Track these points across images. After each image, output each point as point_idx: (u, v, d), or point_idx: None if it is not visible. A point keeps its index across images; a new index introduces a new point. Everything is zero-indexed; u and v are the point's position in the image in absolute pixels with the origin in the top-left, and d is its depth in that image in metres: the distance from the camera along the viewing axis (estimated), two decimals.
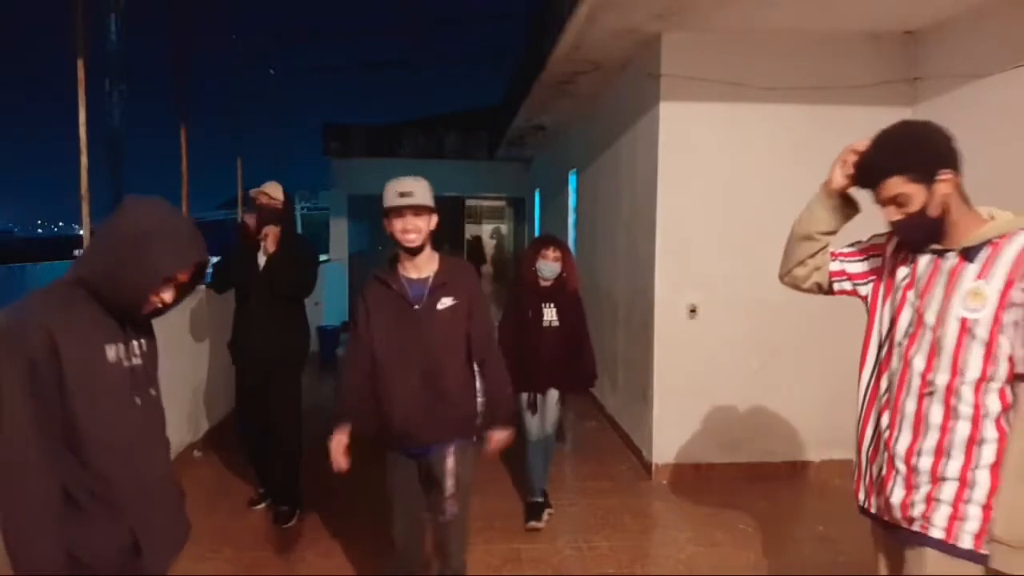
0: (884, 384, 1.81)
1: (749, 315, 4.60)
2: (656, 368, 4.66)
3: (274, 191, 3.84)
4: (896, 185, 1.67)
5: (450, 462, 2.48)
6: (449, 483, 2.48)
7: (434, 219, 2.47)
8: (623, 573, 3.43)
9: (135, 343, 1.67)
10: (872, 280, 1.90)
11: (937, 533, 1.68)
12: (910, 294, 1.76)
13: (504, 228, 23.18)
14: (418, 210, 2.40)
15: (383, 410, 2.49)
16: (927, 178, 1.65)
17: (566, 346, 3.92)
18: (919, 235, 1.72)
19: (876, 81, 4.49)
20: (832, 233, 1.94)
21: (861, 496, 1.90)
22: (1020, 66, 3.71)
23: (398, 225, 2.41)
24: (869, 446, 1.85)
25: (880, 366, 1.83)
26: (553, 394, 3.97)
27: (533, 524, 3.88)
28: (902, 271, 1.80)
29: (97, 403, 1.54)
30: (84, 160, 3.73)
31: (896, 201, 1.68)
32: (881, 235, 1.92)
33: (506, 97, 9.35)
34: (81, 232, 4.02)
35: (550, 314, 3.90)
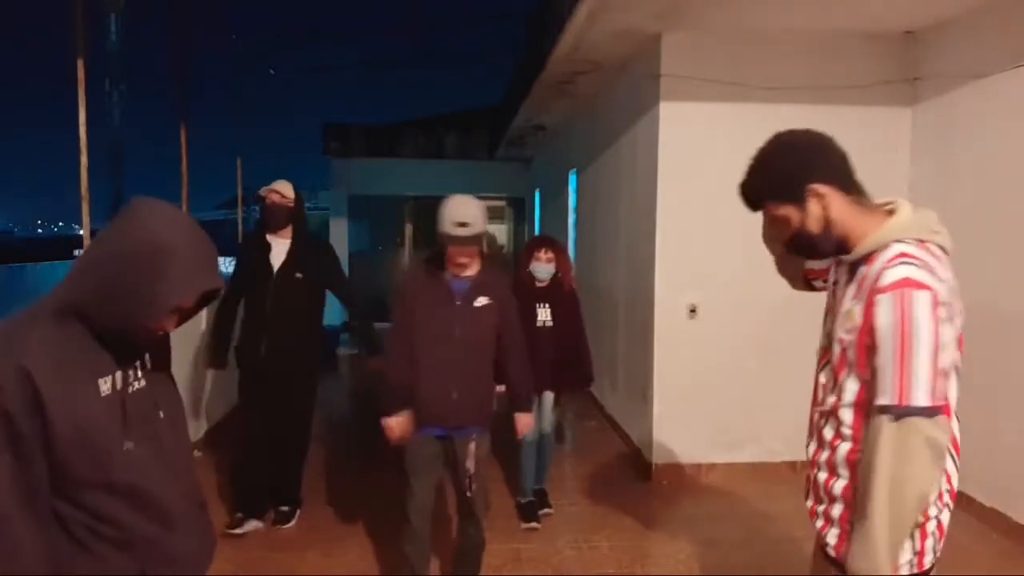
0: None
1: (749, 315, 4.60)
2: (656, 368, 4.66)
3: (285, 189, 3.74)
4: (771, 210, 1.60)
5: (472, 446, 2.77)
6: (470, 464, 2.77)
7: (484, 240, 2.70)
8: (623, 573, 3.43)
9: (135, 367, 1.46)
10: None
11: (831, 552, 1.65)
12: (828, 308, 1.73)
13: (503, 229, 23.22)
14: (474, 240, 2.61)
15: (419, 391, 2.73)
16: (794, 197, 1.56)
17: (561, 346, 3.92)
18: (815, 252, 1.64)
19: (876, 81, 4.49)
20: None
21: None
22: (1020, 66, 3.71)
23: (454, 253, 2.64)
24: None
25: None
26: (548, 395, 3.98)
27: (531, 524, 3.88)
28: (831, 275, 1.75)
29: (92, 447, 1.35)
30: (84, 160, 3.73)
31: (777, 225, 1.63)
32: None
33: (506, 97, 9.34)
34: (81, 232, 4.01)
35: (544, 314, 3.91)
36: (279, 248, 3.74)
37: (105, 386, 1.38)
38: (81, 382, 1.35)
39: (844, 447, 1.61)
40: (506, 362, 2.88)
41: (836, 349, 1.59)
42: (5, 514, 1.26)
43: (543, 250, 3.90)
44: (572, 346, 3.99)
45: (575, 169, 7.84)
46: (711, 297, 4.62)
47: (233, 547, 3.57)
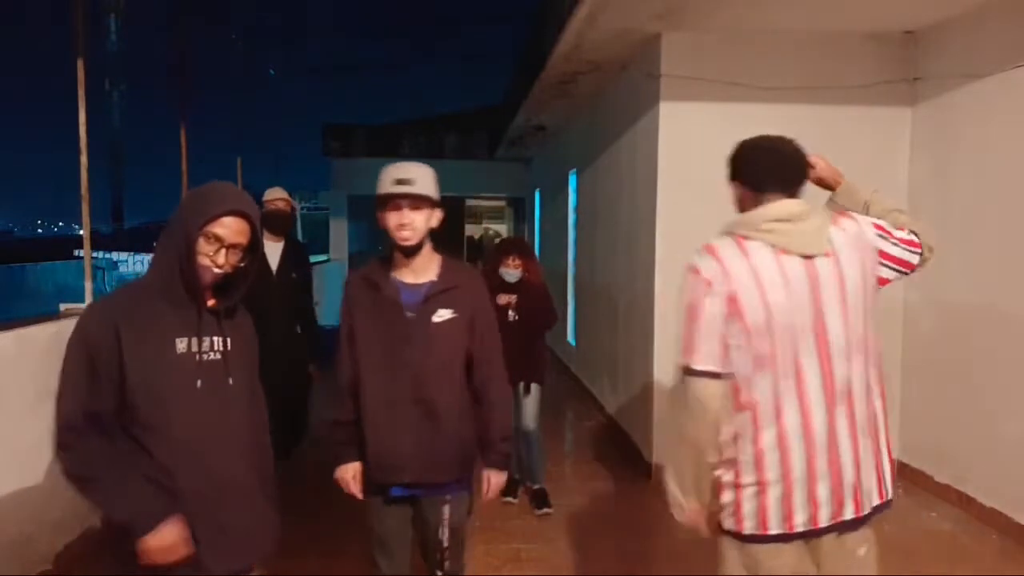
0: None
1: None
2: (656, 368, 4.66)
3: (287, 196, 4.09)
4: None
5: (446, 511, 2.15)
6: (443, 535, 2.16)
7: (437, 214, 2.08)
8: (623, 573, 3.43)
9: (216, 339, 1.67)
10: None
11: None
12: None
13: (503, 229, 23.22)
14: (417, 202, 2.01)
15: (365, 438, 2.12)
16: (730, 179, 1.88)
17: (524, 340, 3.89)
18: None
19: (876, 81, 4.49)
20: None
21: None
22: (1020, 66, 3.71)
23: (392, 219, 2.02)
24: None
25: None
26: (535, 387, 4.02)
27: (508, 499, 4.06)
28: None
29: (158, 396, 1.58)
30: (84, 160, 3.73)
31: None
32: None
33: (506, 97, 9.35)
34: (81, 232, 4.01)
35: (511, 310, 3.91)
36: (274, 251, 3.95)
37: (181, 345, 1.62)
38: (158, 338, 1.60)
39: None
40: (478, 397, 2.19)
41: None
42: (75, 426, 1.55)
43: (511, 257, 3.92)
44: (530, 345, 3.99)
45: (575, 169, 7.84)
46: None
47: None
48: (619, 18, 4.24)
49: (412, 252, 2.07)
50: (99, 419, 1.56)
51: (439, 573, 2.19)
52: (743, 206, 1.79)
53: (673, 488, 1.77)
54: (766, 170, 1.77)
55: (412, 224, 2.02)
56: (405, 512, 2.21)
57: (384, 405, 2.08)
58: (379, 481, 2.14)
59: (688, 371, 1.72)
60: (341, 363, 2.19)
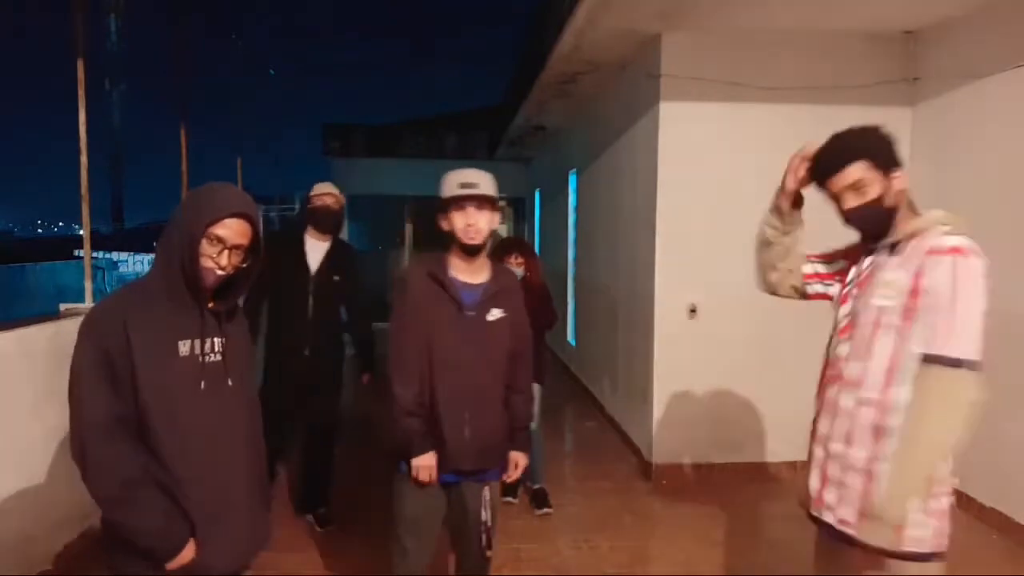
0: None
1: (749, 315, 4.59)
2: (656, 368, 4.66)
3: (338, 193, 3.79)
4: (858, 171, 1.71)
5: (487, 493, 2.32)
6: (486, 515, 2.31)
7: (497, 217, 2.23)
8: (623, 573, 3.43)
9: (216, 340, 1.67)
10: (838, 280, 1.95)
11: (848, 530, 1.71)
12: (854, 290, 1.82)
13: (504, 229, 23.29)
14: (481, 203, 2.16)
15: (430, 430, 2.25)
16: (885, 169, 1.70)
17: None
18: (872, 225, 1.75)
19: (876, 81, 4.49)
20: (787, 234, 1.98)
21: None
22: (1020, 66, 3.71)
23: (459, 220, 2.16)
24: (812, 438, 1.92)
25: (824, 362, 1.90)
26: (535, 386, 4.02)
27: (508, 499, 4.07)
28: (853, 271, 1.86)
29: (164, 395, 1.58)
30: (84, 160, 3.73)
31: (855, 187, 1.71)
32: (855, 244, 1.96)
33: (506, 97, 9.35)
34: (81, 232, 4.01)
35: None
36: (317, 250, 3.69)
37: (184, 347, 1.61)
38: (164, 338, 1.60)
39: (866, 415, 1.68)
40: (509, 386, 2.36)
41: (867, 318, 1.71)
42: (105, 433, 1.53)
43: (513, 256, 3.92)
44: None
45: (575, 169, 7.84)
46: (711, 297, 4.62)
47: None
48: (619, 18, 4.24)
49: (475, 252, 2.21)
50: (126, 423, 1.56)
51: (489, 553, 2.33)
52: (905, 200, 1.74)
53: (904, 497, 1.60)
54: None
55: (477, 224, 2.16)
56: (441, 497, 2.33)
57: (447, 398, 2.22)
58: (442, 469, 2.26)
59: (970, 365, 1.60)
60: (405, 352, 2.25)
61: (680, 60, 4.47)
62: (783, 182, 1.92)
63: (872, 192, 1.69)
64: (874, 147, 1.72)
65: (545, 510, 4.05)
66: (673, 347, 4.64)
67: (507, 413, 2.36)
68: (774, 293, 2.07)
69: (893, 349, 1.66)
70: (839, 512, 1.72)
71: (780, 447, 4.68)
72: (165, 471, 1.58)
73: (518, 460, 2.41)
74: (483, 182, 2.19)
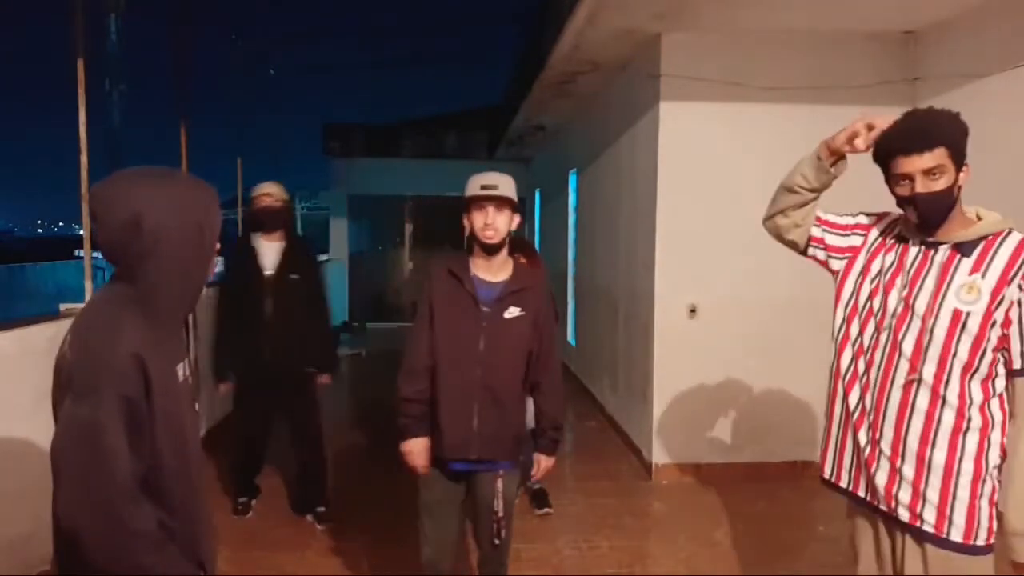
0: (862, 365, 1.83)
1: (749, 315, 4.60)
2: (656, 368, 4.66)
3: (276, 191, 3.73)
4: (939, 156, 1.67)
5: (499, 484, 2.40)
6: (498, 506, 2.39)
7: (516, 219, 2.35)
8: (623, 573, 3.43)
9: (188, 359, 1.51)
10: (848, 257, 1.92)
11: (928, 528, 1.73)
12: (898, 280, 1.78)
13: None
14: (500, 204, 2.28)
15: (437, 416, 2.35)
16: (960, 160, 1.69)
17: None
18: (936, 214, 1.72)
19: (876, 81, 4.49)
20: (813, 191, 1.94)
21: (828, 470, 1.96)
22: (1020, 66, 3.71)
23: (478, 220, 2.29)
24: (840, 422, 1.89)
25: (858, 346, 1.84)
26: None
27: (545, 510, 4.03)
28: (888, 257, 1.82)
29: (176, 432, 1.39)
30: (84, 160, 3.72)
31: (931, 172, 1.67)
32: (871, 215, 1.95)
33: (506, 97, 9.34)
34: (81, 232, 4.01)
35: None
36: (270, 251, 3.72)
37: (181, 372, 1.44)
38: (171, 367, 1.41)
39: (948, 418, 1.70)
40: (534, 386, 2.46)
41: (943, 318, 1.69)
42: (132, 499, 1.29)
43: (516, 255, 3.91)
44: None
45: (575, 169, 7.84)
46: (711, 297, 4.62)
47: (233, 547, 3.57)
48: (619, 18, 4.24)
49: (494, 251, 2.33)
50: (147, 482, 1.33)
51: (497, 541, 2.42)
52: (961, 192, 1.73)
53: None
54: None
55: (495, 224, 2.28)
56: (458, 486, 2.44)
57: (457, 389, 2.33)
58: (447, 457, 2.36)
59: None
60: (418, 343, 2.37)
61: (680, 60, 4.48)
62: (835, 139, 1.87)
63: (945, 181, 1.67)
64: (958, 136, 1.69)
65: (545, 510, 4.05)
66: (673, 347, 4.64)
67: (533, 411, 2.50)
68: (776, 235, 2.05)
69: (971, 354, 1.68)
70: (924, 513, 1.74)
71: (780, 447, 4.68)
72: (170, 511, 1.39)
73: (541, 461, 2.51)
74: (503, 184, 2.30)
